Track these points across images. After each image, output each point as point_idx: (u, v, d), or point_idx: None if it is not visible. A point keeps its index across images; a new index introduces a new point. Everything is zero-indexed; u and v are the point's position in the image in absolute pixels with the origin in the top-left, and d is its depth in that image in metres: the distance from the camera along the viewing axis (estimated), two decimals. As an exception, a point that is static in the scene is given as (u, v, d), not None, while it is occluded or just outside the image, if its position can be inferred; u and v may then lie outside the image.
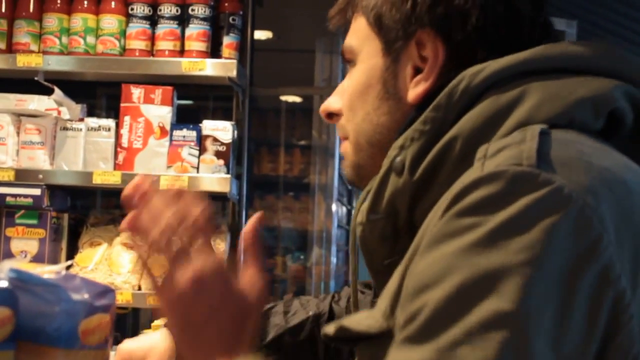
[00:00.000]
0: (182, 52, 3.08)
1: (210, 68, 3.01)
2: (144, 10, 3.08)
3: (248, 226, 1.13)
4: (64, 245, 3.08)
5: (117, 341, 3.26)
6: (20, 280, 0.80)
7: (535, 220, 0.78)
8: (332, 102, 1.11)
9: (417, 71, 1.01)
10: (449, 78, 0.95)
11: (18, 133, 3.04)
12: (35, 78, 3.06)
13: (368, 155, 1.06)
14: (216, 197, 3.89)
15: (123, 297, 2.90)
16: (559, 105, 0.89)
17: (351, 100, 1.07)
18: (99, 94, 3.61)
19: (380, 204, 0.96)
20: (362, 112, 1.05)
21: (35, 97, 3.07)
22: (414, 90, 1.00)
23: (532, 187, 0.79)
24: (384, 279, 0.97)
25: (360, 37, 1.07)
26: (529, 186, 0.79)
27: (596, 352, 0.79)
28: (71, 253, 3.04)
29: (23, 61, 3.05)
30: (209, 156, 3.00)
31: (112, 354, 0.95)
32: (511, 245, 0.78)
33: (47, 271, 0.82)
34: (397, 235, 0.97)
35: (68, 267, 0.90)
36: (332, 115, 1.11)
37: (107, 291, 0.88)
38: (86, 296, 0.84)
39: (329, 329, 0.94)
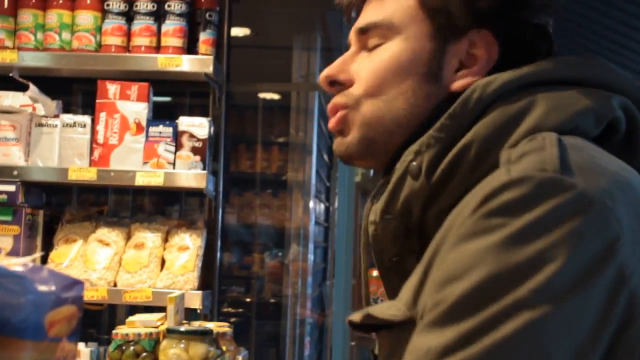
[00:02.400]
0: (158, 48, 3.08)
1: (186, 64, 3.01)
2: (119, 6, 3.07)
3: None
4: (38, 241, 3.07)
5: (92, 338, 3.26)
6: (-13, 272, 0.80)
7: (560, 221, 0.84)
8: (339, 72, 1.11)
9: (460, 64, 1.05)
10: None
11: (-7, 129, 3.02)
12: (10, 74, 3.04)
13: (387, 131, 1.07)
14: (193, 193, 3.88)
15: (98, 294, 2.89)
16: (564, 114, 0.95)
17: (383, 75, 1.06)
18: (74, 90, 3.59)
19: (395, 205, 1.01)
20: (395, 90, 1.06)
21: (10, 93, 3.06)
22: (462, 81, 1.04)
23: (557, 191, 0.85)
24: (391, 274, 1.05)
25: (404, 16, 1.07)
26: (554, 191, 0.85)
27: (608, 344, 0.84)
28: (46, 250, 3.02)
29: (-2, 57, 3.04)
30: (185, 152, 3.00)
31: (81, 346, 0.95)
32: (537, 243, 0.83)
33: (13, 263, 0.82)
34: (408, 234, 1.02)
35: (42, 262, 0.90)
36: (335, 84, 1.11)
37: (75, 283, 0.87)
38: (53, 288, 0.83)
39: (355, 316, 1.00)
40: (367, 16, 1.10)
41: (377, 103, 1.07)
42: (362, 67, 1.09)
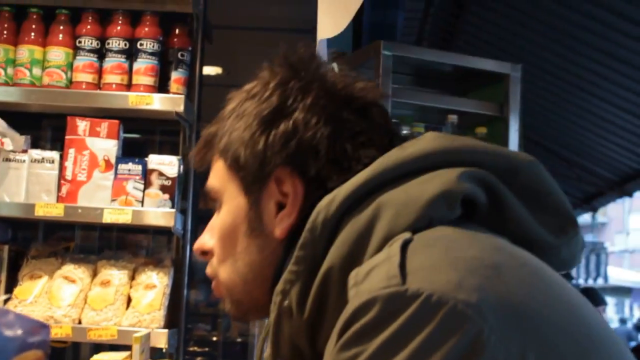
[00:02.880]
0: (129, 86, 3.08)
1: (157, 102, 3.01)
2: (91, 44, 3.08)
3: None
4: (3, 277, 3.03)
5: (55, 376, 3.20)
6: (-47, 315, 0.80)
7: (415, 332, 0.80)
8: (206, 241, 1.15)
9: (280, 206, 1.06)
10: (310, 208, 1.00)
11: (-40, 163, 3.00)
12: (-21, 108, 3.03)
13: (244, 291, 1.09)
14: (161, 231, 3.86)
15: (63, 331, 2.86)
16: (413, 211, 0.93)
17: (221, 240, 1.11)
18: (44, 126, 3.58)
19: (282, 349, 1.00)
20: (233, 252, 1.09)
21: (-21, 127, 3.04)
22: (280, 226, 1.05)
23: (404, 304, 0.82)
24: None
25: (221, 178, 1.11)
26: (400, 304, 0.82)
27: None
28: (10, 285, 2.99)
29: (-33, 91, 3.02)
30: (154, 190, 2.99)
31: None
32: None
33: (-20, 306, 0.82)
34: None
35: (5, 302, 0.90)
36: (206, 253, 1.15)
37: (41, 327, 0.87)
38: (19, 332, 0.83)
39: None
40: (208, 180, 1.15)
41: (226, 268, 1.11)
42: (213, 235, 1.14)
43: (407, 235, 0.90)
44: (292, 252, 1.00)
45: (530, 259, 0.95)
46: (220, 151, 1.11)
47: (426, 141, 1.00)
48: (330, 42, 2.66)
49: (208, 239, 1.14)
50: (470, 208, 0.97)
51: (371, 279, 0.86)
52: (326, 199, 0.98)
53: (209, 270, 1.15)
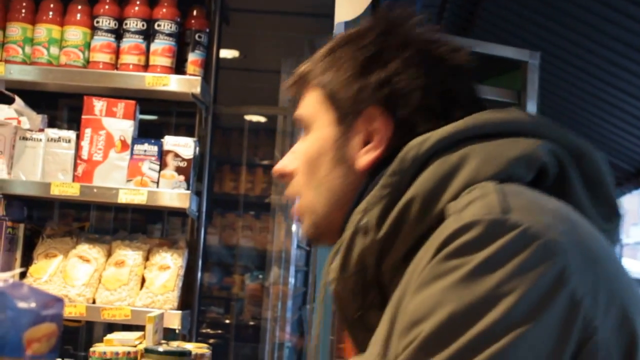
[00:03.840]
0: (146, 66, 3.08)
1: (174, 84, 3.01)
2: (109, 24, 3.08)
3: None
4: (18, 255, 3.04)
5: (69, 354, 3.23)
6: (-33, 287, 0.80)
7: (511, 257, 0.92)
8: (287, 164, 1.25)
9: (366, 141, 1.16)
10: (396, 148, 1.11)
11: (-24, 141, 3.01)
12: (-3, 87, 3.03)
13: (324, 214, 1.19)
14: (175, 213, 3.87)
15: (77, 310, 2.87)
16: (497, 164, 1.04)
17: (306, 164, 1.21)
18: (60, 105, 3.59)
19: (350, 263, 1.09)
20: (317, 176, 1.19)
21: (-4, 105, 3.05)
22: (364, 158, 1.16)
23: (504, 230, 0.93)
24: (356, 329, 1.15)
25: (314, 108, 1.22)
26: (501, 230, 0.93)
27: None
28: (26, 264, 3.00)
29: (-15, 69, 3.03)
30: (169, 171, 2.99)
31: (58, 364, 0.94)
32: (491, 279, 0.91)
33: (-6, 278, 0.82)
34: (366, 289, 1.11)
35: (21, 276, 0.90)
36: (285, 176, 1.25)
37: (55, 300, 0.87)
38: (33, 305, 0.83)
39: None
40: (298, 108, 1.26)
41: (310, 191, 1.21)
42: (298, 158, 1.24)
43: (490, 183, 1.01)
44: (372, 182, 1.12)
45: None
46: (316, 85, 1.21)
47: (512, 112, 1.13)
48: (348, 25, 2.64)
49: (290, 162, 1.25)
50: (539, 178, 1.07)
51: (473, 207, 0.97)
52: (418, 139, 1.08)
53: (287, 192, 1.24)
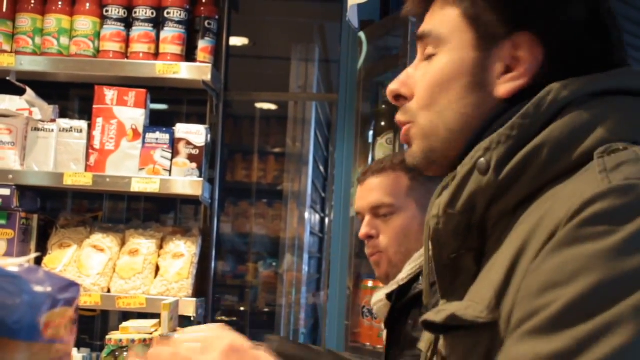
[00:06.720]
0: (156, 55, 3.08)
1: (184, 71, 3.00)
2: (118, 13, 3.07)
3: None
4: (32, 246, 3.05)
5: (85, 344, 3.24)
6: (-18, 272, 0.80)
7: None
8: (401, 86, 1.14)
9: (506, 69, 1.05)
10: (539, 84, 1.01)
11: (-11, 133, 3.01)
12: (7, 78, 3.04)
13: (443, 140, 1.09)
14: (188, 201, 3.87)
15: (92, 299, 2.88)
16: (636, 126, 0.97)
17: (432, 87, 1.09)
18: (71, 95, 3.59)
19: (459, 200, 1.01)
20: (445, 101, 1.08)
21: (7, 97, 3.05)
22: (506, 86, 1.05)
23: None
24: (446, 271, 1.06)
25: (450, 26, 1.09)
26: None
27: None
28: (40, 254, 3.01)
29: (-5, 60, 3.03)
30: (181, 159, 2.99)
31: (73, 352, 0.94)
32: None
33: (9, 263, 0.82)
34: (469, 231, 1.03)
35: (36, 261, 0.90)
36: (399, 98, 1.14)
37: (71, 285, 0.87)
38: (49, 289, 0.83)
39: (433, 316, 1.00)
40: (424, 24, 1.13)
41: (430, 115, 1.09)
42: (418, 80, 1.12)
43: (636, 146, 0.93)
44: (506, 114, 1.02)
45: None
46: (456, 1, 1.09)
47: None
48: (360, 8, 2.63)
49: (404, 84, 1.14)
50: None
51: (626, 169, 0.89)
52: (561, 83, 0.99)
53: (400, 116, 1.14)
